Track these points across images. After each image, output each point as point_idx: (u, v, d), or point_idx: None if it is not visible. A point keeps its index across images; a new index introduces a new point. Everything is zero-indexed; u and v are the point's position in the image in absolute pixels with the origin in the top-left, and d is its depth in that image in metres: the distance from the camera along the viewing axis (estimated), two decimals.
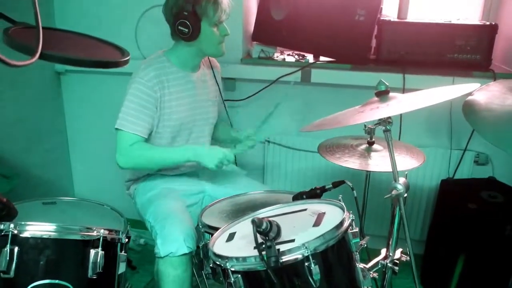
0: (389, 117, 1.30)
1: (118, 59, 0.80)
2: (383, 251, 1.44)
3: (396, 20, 2.32)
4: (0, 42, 0.73)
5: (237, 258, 1.16)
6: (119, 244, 1.45)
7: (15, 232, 1.23)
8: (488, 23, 2.21)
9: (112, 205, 1.76)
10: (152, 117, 1.83)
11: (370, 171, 1.72)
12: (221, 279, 1.52)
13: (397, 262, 1.41)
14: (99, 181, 2.86)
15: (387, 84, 1.35)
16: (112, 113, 2.62)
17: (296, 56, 2.51)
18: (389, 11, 2.44)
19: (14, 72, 2.28)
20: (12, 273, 1.21)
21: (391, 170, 1.55)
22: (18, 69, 2.06)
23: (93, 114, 2.77)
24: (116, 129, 1.79)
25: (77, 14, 2.50)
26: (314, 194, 1.57)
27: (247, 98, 2.49)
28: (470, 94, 1.22)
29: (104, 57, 0.81)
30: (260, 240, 1.09)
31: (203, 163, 1.78)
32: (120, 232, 1.45)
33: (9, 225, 1.23)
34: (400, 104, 1.32)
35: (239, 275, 1.16)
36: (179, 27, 1.76)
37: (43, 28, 0.72)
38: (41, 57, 0.68)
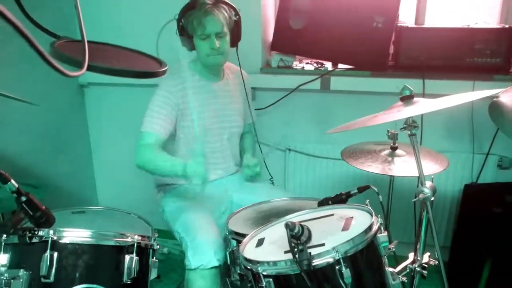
0: (415, 122, 1.32)
1: (157, 69, 0.83)
2: (411, 255, 1.45)
3: (414, 26, 2.34)
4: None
5: (268, 262, 1.18)
6: (151, 250, 1.48)
7: (55, 238, 1.27)
8: (507, 26, 2.21)
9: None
10: (171, 118, 1.88)
11: (394, 175, 1.73)
12: (249, 285, 1.55)
13: (426, 266, 1.41)
14: (122, 191, 2.90)
15: (412, 89, 1.37)
16: (133, 124, 2.67)
17: (315, 64, 2.54)
18: (406, 17, 2.45)
19: (41, 86, 2.35)
20: (52, 278, 1.25)
21: (415, 175, 1.56)
22: (44, 82, 2.11)
23: (115, 126, 2.83)
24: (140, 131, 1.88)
25: (99, 27, 2.56)
26: (340, 199, 1.58)
27: (267, 107, 2.52)
28: (495, 96, 1.23)
29: (145, 68, 0.85)
30: (292, 244, 1.11)
31: (189, 176, 1.72)
32: (152, 239, 1.49)
33: (49, 232, 1.27)
34: (423, 106, 1.34)
35: (271, 279, 1.18)
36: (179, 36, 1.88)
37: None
38: (89, 68, 0.72)
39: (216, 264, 1.64)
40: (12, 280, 1.24)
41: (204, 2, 1.81)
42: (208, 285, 1.64)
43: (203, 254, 1.64)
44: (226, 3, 1.87)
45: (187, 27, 1.84)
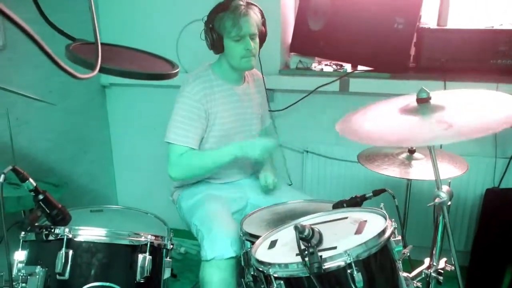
0: None
1: (169, 72, 0.84)
2: (427, 261, 1.42)
3: (436, 27, 2.30)
4: (63, 58, 0.79)
5: (279, 265, 1.18)
6: (164, 250, 1.50)
7: (70, 236, 1.30)
8: None
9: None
10: (201, 128, 1.87)
11: (410, 179, 1.71)
12: (262, 286, 1.55)
13: (442, 271, 1.38)
14: (141, 190, 2.94)
15: (428, 91, 1.35)
16: (154, 125, 2.73)
17: (334, 66, 2.52)
18: (428, 18, 2.41)
19: (64, 86, 2.41)
20: (67, 275, 1.28)
21: (432, 178, 1.53)
22: (68, 83, 2.17)
23: (136, 126, 2.87)
24: (167, 142, 1.85)
25: (121, 29, 2.61)
26: (355, 202, 1.57)
27: (285, 108, 2.52)
28: None
29: (156, 70, 0.86)
30: (302, 246, 1.10)
31: (249, 154, 1.79)
32: (165, 238, 1.51)
33: (64, 230, 1.30)
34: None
35: (282, 281, 1.18)
36: (205, 39, 1.85)
37: (100, 44, 0.78)
38: (101, 70, 0.73)
39: (233, 254, 1.64)
40: (29, 277, 1.28)
41: (238, 4, 1.80)
42: (225, 276, 1.64)
43: (219, 245, 1.64)
44: (255, 5, 1.86)
45: (219, 28, 1.81)
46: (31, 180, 1.20)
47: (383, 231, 1.19)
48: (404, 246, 1.29)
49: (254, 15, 1.83)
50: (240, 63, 1.86)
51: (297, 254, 1.21)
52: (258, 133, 2.09)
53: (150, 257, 1.40)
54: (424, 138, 1.21)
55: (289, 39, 2.54)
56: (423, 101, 1.30)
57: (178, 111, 1.85)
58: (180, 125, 1.84)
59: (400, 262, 1.25)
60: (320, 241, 1.14)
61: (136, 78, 0.81)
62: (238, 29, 1.78)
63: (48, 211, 1.18)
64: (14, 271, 1.32)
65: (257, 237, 1.53)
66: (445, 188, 1.32)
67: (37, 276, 1.27)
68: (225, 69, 1.92)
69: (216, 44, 1.83)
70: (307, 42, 2.45)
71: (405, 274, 1.27)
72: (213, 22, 1.81)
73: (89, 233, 1.35)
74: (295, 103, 2.50)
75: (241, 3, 1.81)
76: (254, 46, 1.83)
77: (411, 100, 1.36)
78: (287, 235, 1.38)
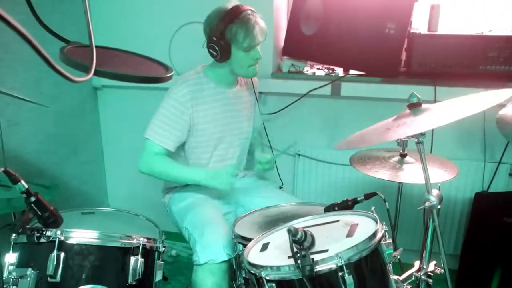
0: None
1: (163, 75, 0.85)
2: (417, 263, 1.44)
3: (427, 33, 2.33)
4: (57, 60, 0.79)
5: (271, 267, 1.19)
6: (156, 253, 1.50)
7: (62, 238, 1.30)
8: None
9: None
10: (181, 131, 1.87)
11: (401, 182, 1.72)
12: None
13: (431, 274, 1.40)
14: (132, 193, 2.93)
15: (419, 96, 1.37)
16: (146, 127, 2.71)
17: (326, 70, 2.54)
18: (419, 24, 2.44)
19: (55, 88, 2.40)
20: (58, 278, 1.28)
21: (423, 182, 1.55)
22: (59, 84, 2.16)
23: (127, 128, 2.86)
24: (145, 138, 1.87)
25: (113, 31, 2.60)
26: (346, 205, 1.58)
27: (277, 112, 2.53)
28: (502, 106, 1.22)
29: (151, 73, 0.86)
30: (295, 249, 1.11)
31: (213, 186, 1.83)
32: (157, 241, 1.50)
33: (56, 232, 1.30)
34: (432, 117, 1.33)
35: (273, 284, 1.18)
36: (210, 50, 1.82)
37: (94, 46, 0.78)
38: (95, 73, 0.74)
39: (226, 258, 1.64)
40: (20, 279, 1.27)
41: (247, 13, 1.78)
42: (217, 281, 1.65)
43: (212, 249, 1.65)
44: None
45: (230, 39, 1.77)
46: (23, 182, 1.19)
47: (374, 234, 1.20)
48: (395, 249, 1.30)
49: (262, 23, 1.82)
50: (248, 71, 1.87)
51: (289, 257, 1.22)
52: (249, 135, 2.10)
53: (142, 259, 1.39)
54: None
55: (281, 42, 2.55)
56: (413, 106, 1.32)
57: (161, 110, 1.86)
58: (161, 124, 1.85)
59: (391, 265, 1.26)
60: (312, 244, 1.14)
61: (131, 81, 0.81)
62: (251, 40, 1.78)
63: (40, 213, 1.18)
64: (5, 273, 1.32)
65: (249, 239, 1.53)
66: (435, 192, 1.34)
67: (28, 279, 1.27)
68: (221, 73, 1.92)
69: (223, 54, 1.80)
70: (300, 46, 2.47)
71: (395, 277, 1.28)
72: (223, 32, 1.76)
73: (81, 235, 1.34)
74: (287, 107, 2.52)
75: (249, 12, 1.79)
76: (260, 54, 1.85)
77: None
78: (279, 238, 1.39)
